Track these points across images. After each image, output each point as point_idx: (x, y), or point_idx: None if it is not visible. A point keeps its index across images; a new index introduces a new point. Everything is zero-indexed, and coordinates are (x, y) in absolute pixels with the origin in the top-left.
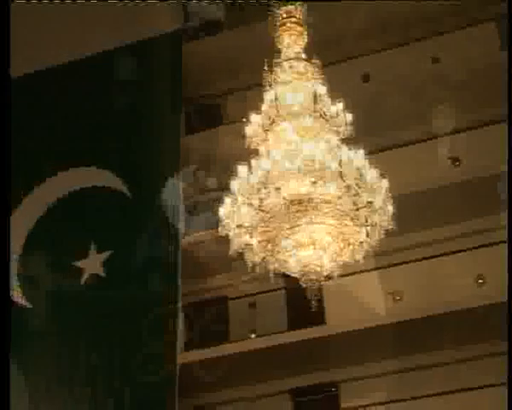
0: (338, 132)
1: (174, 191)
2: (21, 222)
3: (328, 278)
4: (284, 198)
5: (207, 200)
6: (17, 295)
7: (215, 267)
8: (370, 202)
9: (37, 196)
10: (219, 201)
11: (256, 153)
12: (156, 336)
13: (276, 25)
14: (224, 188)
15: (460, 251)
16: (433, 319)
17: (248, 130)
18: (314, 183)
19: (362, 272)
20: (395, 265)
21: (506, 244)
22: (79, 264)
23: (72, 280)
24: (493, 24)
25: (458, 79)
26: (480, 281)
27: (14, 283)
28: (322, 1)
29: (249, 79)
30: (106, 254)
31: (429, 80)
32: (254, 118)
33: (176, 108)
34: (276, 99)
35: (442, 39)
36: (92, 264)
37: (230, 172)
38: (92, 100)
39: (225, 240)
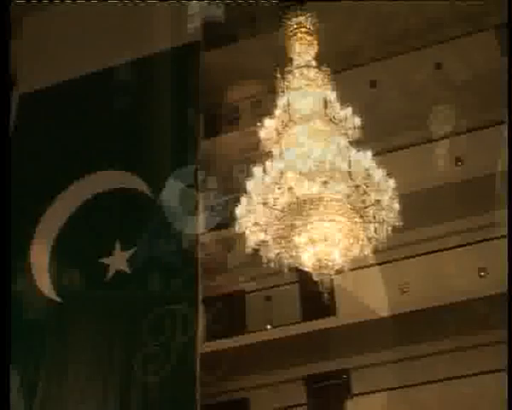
0: (347, 135)
1: (192, 192)
2: (53, 221)
3: (339, 271)
4: (297, 197)
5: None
6: (49, 290)
7: (233, 263)
8: (378, 201)
9: (67, 196)
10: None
11: (270, 155)
12: (179, 328)
13: (287, 35)
14: (241, 190)
15: (462, 245)
16: (438, 309)
17: (262, 133)
18: (325, 183)
19: (371, 266)
20: (402, 259)
21: (506, 239)
22: (105, 261)
23: (98, 276)
24: (493, 32)
25: (459, 85)
26: (482, 273)
27: (47, 279)
28: (325, 1)
29: (263, 86)
30: (130, 252)
31: (432, 85)
32: (268, 122)
33: (195, 113)
34: (288, 104)
35: (444, 47)
36: (117, 261)
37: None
38: (115, 109)
39: (242, 238)
